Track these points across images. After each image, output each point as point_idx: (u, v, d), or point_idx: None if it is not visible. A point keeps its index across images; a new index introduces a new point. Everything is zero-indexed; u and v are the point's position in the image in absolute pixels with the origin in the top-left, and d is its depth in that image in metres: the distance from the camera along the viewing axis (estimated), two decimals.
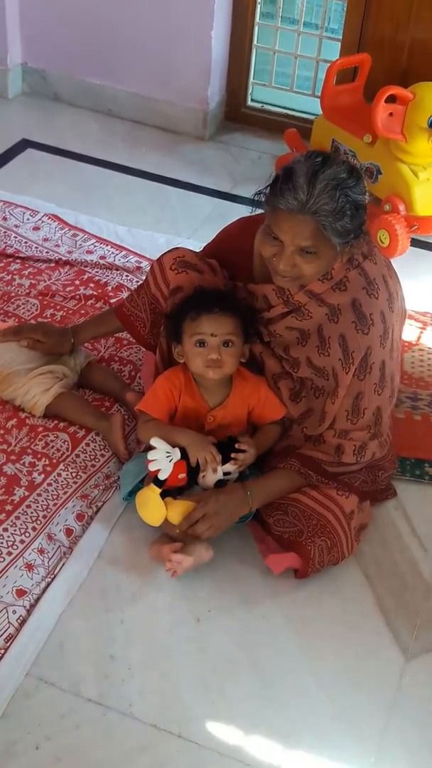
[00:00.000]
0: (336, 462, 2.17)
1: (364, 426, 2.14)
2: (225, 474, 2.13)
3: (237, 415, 2.21)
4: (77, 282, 3.02)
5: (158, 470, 2.07)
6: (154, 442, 2.08)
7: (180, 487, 2.13)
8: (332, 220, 1.93)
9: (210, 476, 2.12)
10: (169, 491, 2.11)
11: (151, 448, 2.10)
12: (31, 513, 2.20)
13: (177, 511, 2.09)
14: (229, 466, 2.13)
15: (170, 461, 2.07)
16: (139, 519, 2.18)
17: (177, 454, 2.08)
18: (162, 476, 2.08)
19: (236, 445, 2.13)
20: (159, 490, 2.08)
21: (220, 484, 2.14)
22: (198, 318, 2.11)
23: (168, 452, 2.07)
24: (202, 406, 2.20)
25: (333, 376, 2.11)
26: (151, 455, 2.07)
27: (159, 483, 2.08)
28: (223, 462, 2.12)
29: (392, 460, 2.34)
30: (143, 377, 2.58)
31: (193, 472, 2.12)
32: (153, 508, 2.11)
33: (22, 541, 2.13)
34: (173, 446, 2.09)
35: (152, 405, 2.20)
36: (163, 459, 2.07)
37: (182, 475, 2.11)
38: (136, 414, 2.34)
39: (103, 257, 3.16)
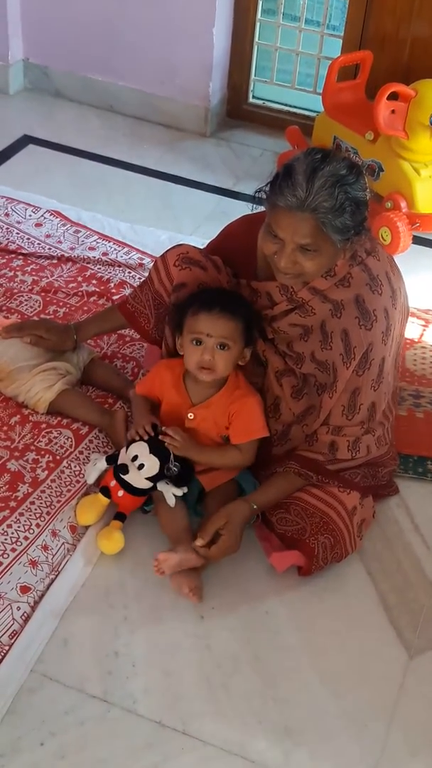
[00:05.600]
0: (332, 459, 2.17)
1: (358, 422, 2.14)
2: (139, 466, 2.13)
3: (218, 420, 2.19)
4: (80, 278, 3.02)
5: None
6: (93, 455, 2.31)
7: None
8: (331, 217, 1.93)
9: (134, 473, 2.13)
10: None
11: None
12: (35, 509, 2.20)
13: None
14: (136, 449, 2.15)
15: (94, 465, 2.22)
16: (143, 515, 2.20)
17: (101, 461, 2.22)
18: (87, 478, 2.23)
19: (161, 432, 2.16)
20: (106, 500, 2.18)
21: (159, 477, 2.14)
22: (197, 315, 2.11)
23: (95, 458, 2.25)
24: (185, 401, 2.21)
25: (333, 371, 2.12)
26: None
27: (104, 492, 2.19)
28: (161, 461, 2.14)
29: (392, 457, 2.34)
30: (145, 368, 2.59)
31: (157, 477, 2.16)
32: (82, 509, 2.21)
33: (26, 538, 2.13)
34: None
35: (142, 383, 2.31)
36: (90, 467, 2.24)
37: (113, 483, 2.16)
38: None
39: (105, 254, 3.15)
